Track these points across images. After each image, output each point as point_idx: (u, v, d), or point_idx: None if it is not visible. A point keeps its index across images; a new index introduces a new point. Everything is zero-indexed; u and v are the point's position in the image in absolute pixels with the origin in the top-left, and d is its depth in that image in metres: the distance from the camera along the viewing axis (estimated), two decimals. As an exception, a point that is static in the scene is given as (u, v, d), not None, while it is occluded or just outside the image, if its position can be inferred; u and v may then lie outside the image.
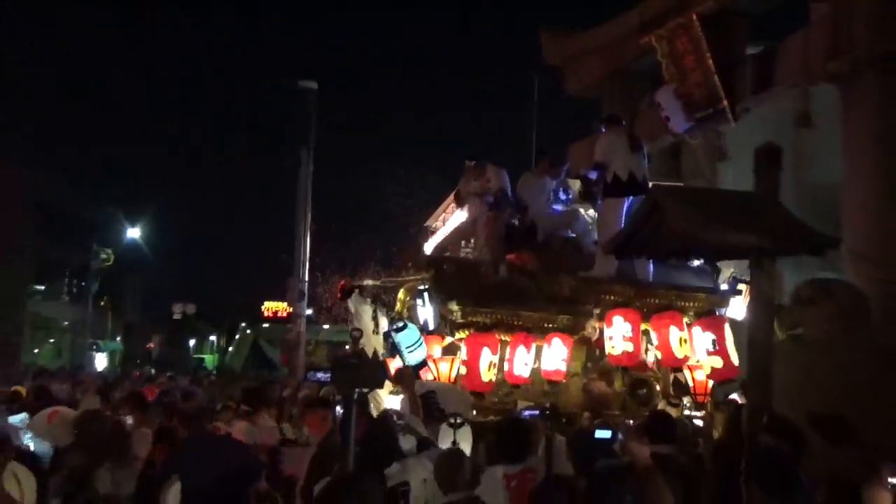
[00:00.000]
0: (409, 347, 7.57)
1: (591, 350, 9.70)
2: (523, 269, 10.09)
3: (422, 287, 10.02)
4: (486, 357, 9.08)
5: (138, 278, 52.35)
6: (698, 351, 9.49)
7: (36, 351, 39.83)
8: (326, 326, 35.88)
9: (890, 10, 10.74)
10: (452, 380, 9.00)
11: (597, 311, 9.51)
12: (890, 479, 2.69)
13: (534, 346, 9.26)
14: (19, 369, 27.09)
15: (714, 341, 9.43)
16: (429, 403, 7.20)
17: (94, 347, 43.02)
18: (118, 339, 50.64)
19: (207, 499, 3.01)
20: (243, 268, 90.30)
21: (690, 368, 9.50)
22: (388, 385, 7.68)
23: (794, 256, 7.61)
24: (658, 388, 9.64)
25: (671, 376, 9.64)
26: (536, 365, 9.23)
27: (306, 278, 23.73)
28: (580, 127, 17.72)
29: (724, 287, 10.31)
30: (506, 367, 9.19)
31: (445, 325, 9.58)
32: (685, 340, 9.44)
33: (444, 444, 5.16)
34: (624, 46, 15.22)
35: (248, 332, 44.45)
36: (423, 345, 8.44)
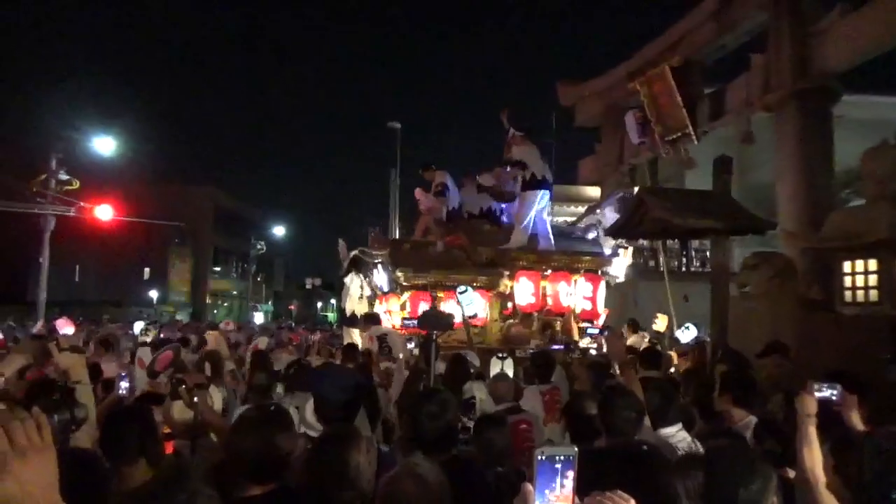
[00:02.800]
0: (468, 304, 7.57)
1: (503, 301, 9.54)
2: (458, 244, 9.93)
3: (378, 260, 10.06)
4: (423, 308, 8.69)
5: (282, 260, 53.34)
6: (579, 297, 9.61)
7: (215, 312, 40.94)
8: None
9: (804, 57, 10.86)
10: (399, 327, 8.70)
11: (507, 272, 9.44)
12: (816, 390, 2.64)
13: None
14: (205, 323, 27.89)
15: (591, 290, 9.65)
16: (381, 342, 7.30)
17: (254, 309, 44.17)
18: (269, 302, 51.81)
19: (333, 406, 3.09)
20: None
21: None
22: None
23: (742, 236, 7.53)
24: (558, 327, 9.47)
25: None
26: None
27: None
28: (586, 149, 17.50)
29: (607, 252, 10.17)
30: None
31: (398, 287, 9.51)
32: (570, 294, 9.55)
33: (494, 370, 5.19)
34: (617, 90, 15.06)
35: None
36: (474, 301, 8.31)
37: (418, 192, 10.76)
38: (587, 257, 9.94)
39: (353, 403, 3.09)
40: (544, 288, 9.47)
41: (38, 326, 12.84)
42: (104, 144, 22.92)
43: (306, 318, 43.71)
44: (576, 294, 9.58)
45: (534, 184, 9.73)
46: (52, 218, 21.65)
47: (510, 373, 5.30)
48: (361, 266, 10.57)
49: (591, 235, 10.67)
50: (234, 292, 45.18)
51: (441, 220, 10.43)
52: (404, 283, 9.34)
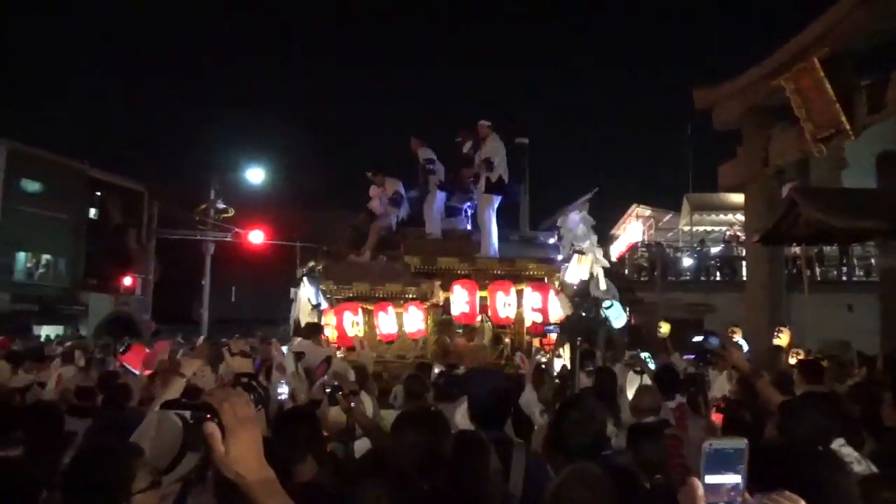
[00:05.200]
0: (615, 318, 7.36)
1: (436, 313, 8.90)
2: (393, 253, 9.47)
3: (304, 272, 9.82)
4: (349, 318, 8.64)
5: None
6: (527, 308, 8.73)
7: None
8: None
9: None
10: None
11: (438, 282, 8.87)
12: None
13: (390, 310, 8.68)
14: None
15: (540, 300, 8.75)
16: (297, 357, 6.90)
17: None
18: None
19: (486, 410, 3.18)
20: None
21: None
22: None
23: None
24: (507, 340, 8.75)
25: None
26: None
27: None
28: (724, 153, 16.63)
29: (559, 258, 9.15)
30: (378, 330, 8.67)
31: (332, 299, 9.14)
32: (509, 304, 8.69)
33: (633, 384, 5.05)
34: (757, 89, 14.22)
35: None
36: (623, 315, 8.00)
37: (373, 192, 10.19)
38: (532, 264, 9.11)
39: (504, 406, 3.17)
40: (483, 298, 8.77)
41: (201, 341, 14.12)
42: (255, 175, 24.98)
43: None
44: (514, 304, 8.76)
45: (499, 186, 9.12)
46: (212, 243, 23.82)
47: (631, 391, 5.08)
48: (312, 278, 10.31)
49: (551, 240, 9.85)
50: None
51: (377, 229, 9.96)
52: (338, 297, 9.01)
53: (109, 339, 18.86)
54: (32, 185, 26.95)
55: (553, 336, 8.59)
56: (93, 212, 30.70)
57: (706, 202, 21.12)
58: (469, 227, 10.29)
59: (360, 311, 8.77)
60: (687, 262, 19.98)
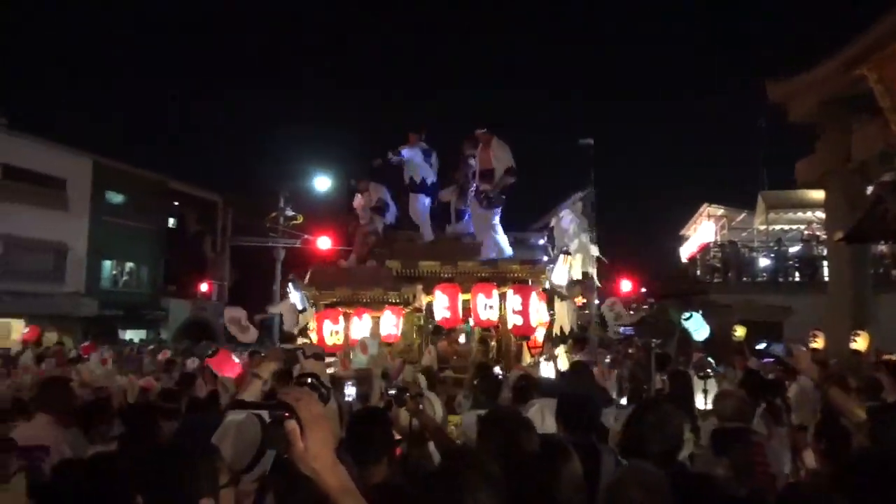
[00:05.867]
0: (696, 330, 7.13)
1: (417, 317, 8.88)
2: (379, 258, 9.34)
3: (291, 277, 10.00)
4: (328, 326, 8.66)
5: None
6: (509, 310, 8.32)
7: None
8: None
9: None
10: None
11: (419, 286, 8.66)
12: None
13: (365, 316, 8.67)
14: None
15: (521, 303, 8.26)
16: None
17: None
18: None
19: (567, 415, 3.14)
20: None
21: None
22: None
23: None
24: (493, 343, 8.57)
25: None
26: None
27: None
28: (799, 148, 15.91)
29: (545, 259, 9.05)
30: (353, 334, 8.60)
31: (315, 305, 9.21)
32: (491, 307, 8.31)
33: (713, 388, 4.87)
34: (836, 80, 13.55)
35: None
36: (705, 326, 7.74)
37: (357, 202, 10.23)
38: (515, 266, 8.76)
39: (591, 410, 3.14)
40: (466, 302, 8.52)
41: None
42: (322, 183, 25.61)
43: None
44: (496, 307, 8.43)
45: (497, 199, 8.79)
46: (283, 249, 24.56)
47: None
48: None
49: (541, 241, 9.66)
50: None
51: (363, 234, 9.95)
52: (322, 302, 9.08)
53: (188, 342, 19.71)
54: (116, 197, 28.44)
55: (539, 338, 8.51)
56: (171, 221, 32.14)
57: (783, 200, 20.20)
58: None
59: (340, 317, 8.84)
60: (763, 262, 19.16)
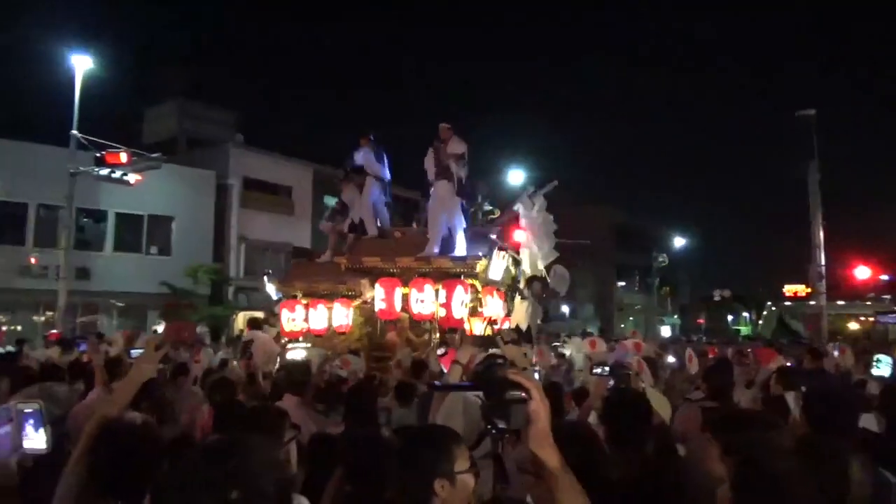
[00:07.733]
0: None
1: (365, 309, 9.62)
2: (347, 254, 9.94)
3: (268, 271, 11.69)
4: (287, 315, 9.85)
5: (686, 273, 51.91)
6: (439, 304, 8.90)
7: (622, 325, 41.88)
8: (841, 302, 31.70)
9: None
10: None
11: (366, 280, 9.45)
12: None
13: (320, 306, 9.67)
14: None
15: (445, 296, 8.79)
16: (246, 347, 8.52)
17: (660, 322, 43.82)
18: (675, 316, 50.88)
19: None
20: (763, 261, 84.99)
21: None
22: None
23: None
24: (434, 336, 9.11)
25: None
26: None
27: (822, 263, 21.42)
28: None
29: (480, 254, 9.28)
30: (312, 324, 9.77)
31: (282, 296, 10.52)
32: (422, 301, 8.92)
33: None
34: None
35: (773, 308, 40.62)
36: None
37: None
38: (448, 262, 9.08)
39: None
40: (406, 295, 9.12)
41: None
42: (516, 177, 25.93)
43: (716, 331, 41.39)
44: (429, 301, 8.85)
45: (466, 189, 9.47)
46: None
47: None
48: None
49: (493, 236, 9.81)
50: (638, 306, 45.68)
51: (335, 231, 10.61)
52: (287, 294, 10.24)
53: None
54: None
55: (476, 331, 8.81)
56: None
57: None
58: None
59: (297, 307, 9.86)
60: None
